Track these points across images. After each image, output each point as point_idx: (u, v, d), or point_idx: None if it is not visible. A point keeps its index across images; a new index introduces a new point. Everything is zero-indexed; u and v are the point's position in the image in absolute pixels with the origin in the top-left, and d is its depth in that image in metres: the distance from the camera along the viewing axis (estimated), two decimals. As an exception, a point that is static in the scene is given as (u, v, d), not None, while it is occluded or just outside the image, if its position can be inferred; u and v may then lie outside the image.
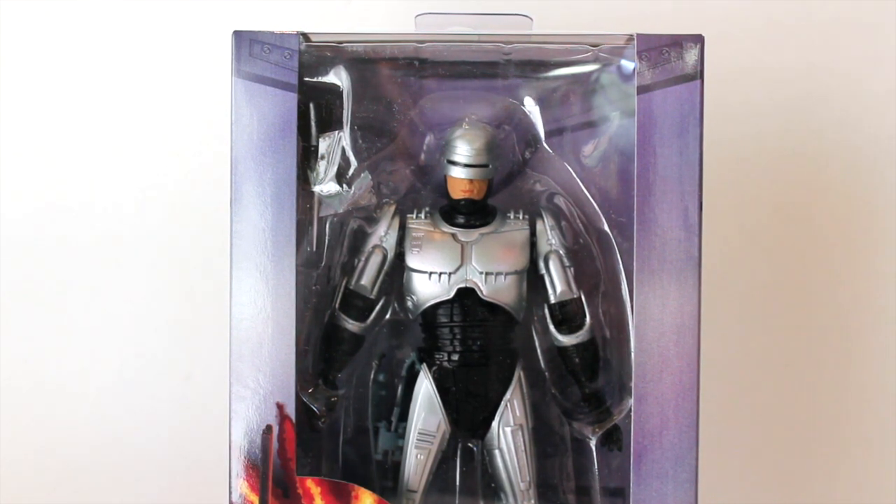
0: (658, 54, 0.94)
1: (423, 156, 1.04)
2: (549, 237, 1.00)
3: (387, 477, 1.03)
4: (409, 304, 1.00)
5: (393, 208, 1.01)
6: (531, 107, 1.03)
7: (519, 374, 0.99)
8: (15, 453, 1.25)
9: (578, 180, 1.03)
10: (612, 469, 1.03)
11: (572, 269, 1.00)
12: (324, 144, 0.99)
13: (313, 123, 0.98)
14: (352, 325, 1.00)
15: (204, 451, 1.18)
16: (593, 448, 1.03)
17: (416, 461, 0.99)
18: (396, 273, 1.01)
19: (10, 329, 1.24)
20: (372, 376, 1.04)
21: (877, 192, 1.25)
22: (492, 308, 0.98)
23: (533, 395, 1.01)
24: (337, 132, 0.99)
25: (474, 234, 0.99)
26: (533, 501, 1.00)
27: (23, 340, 1.24)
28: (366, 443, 1.04)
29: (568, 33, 0.99)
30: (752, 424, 1.26)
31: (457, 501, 1.03)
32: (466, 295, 0.98)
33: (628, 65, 0.97)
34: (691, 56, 0.94)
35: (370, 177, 1.01)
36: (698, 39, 0.94)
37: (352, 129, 1.00)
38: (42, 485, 1.25)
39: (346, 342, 1.00)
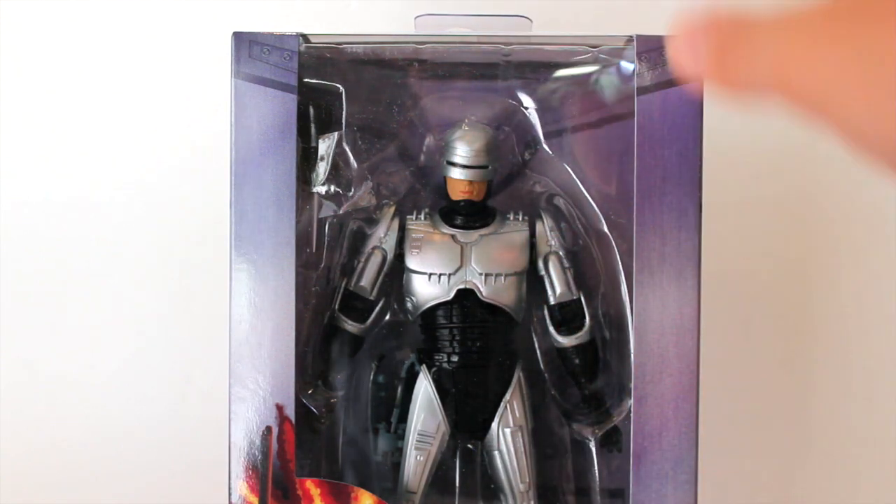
0: (658, 55, 0.94)
1: (422, 157, 1.04)
2: (549, 238, 1.00)
3: (386, 478, 1.03)
4: (409, 305, 1.00)
5: (392, 209, 1.01)
6: (531, 108, 1.03)
7: (518, 375, 0.99)
8: (13, 455, 1.25)
9: (578, 181, 1.03)
10: (612, 470, 1.03)
11: (572, 270, 1.00)
12: (323, 146, 0.99)
13: (313, 125, 0.98)
14: (351, 327, 1.00)
15: (204, 453, 1.18)
16: (593, 449, 1.03)
17: (416, 462, 0.99)
18: (396, 274, 1.01)
19: (7, 330, 1.24)
20: (371, 378, 1.04)
21: (878, 192, 1.25)
22: (491, 309, 0.98)
23: (532, 397, 1.01)
24: (336, 133, 0.99)
25: (474, 235, 0.99)
26: (532, 503, 1.00)
27: (21, 342, 1.24)
28: (365, 444, 1.04)
29: (567, 34, 0.99)
30: (752, 425, 1.26)
31: (456, 502, 1.03)
32: (466, 296, 0.98)
33: (628, 66, 0.97)
34: (691, 57, 0.94)
35: (370, 178, 1.01)
36: (698, 41, 0.94)
37: (351, 131, 1.00)
38: (41, 486, 1.25)
39: (346, 343, 1.00)
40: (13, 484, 1.25)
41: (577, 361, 1.00)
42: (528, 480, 0.99)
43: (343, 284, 1.01)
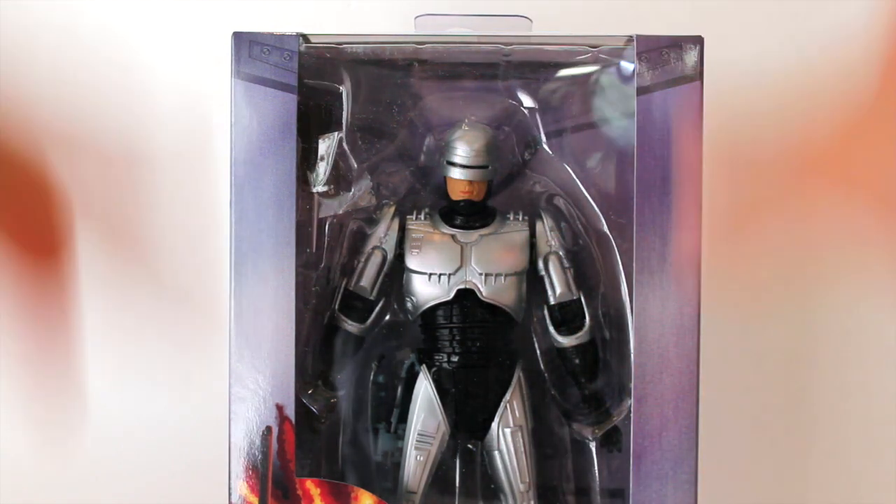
0: (658, 55, 0.94)
1: (422, 157, 1.04)
2: (549, 238, 1.00)
3: (386, 478, 1.03)
4: (409, 305, 1.00)
5: (392, 209, 1.01)
6: (530, 108, 1.03)
7: (518, 375, 0.99)
8: (14, 454, 1.25)
9: (578, 181, 1.03)
10: (612, 470, 1.03)
11: (572, 270, 1.01)
12: (323, 146, 0.99)
13: (313, 125, 0.98)
14: (351, 327, 1.00)
15: (204, 453, 1.18)
16: (593, 449, 1.03)
17: (416, 462, 0.99)
18: (396, 274, 1.01)
19: (9, 330, 1.24)
20: (371, 378, 1.04)
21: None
22: (491, 309, 0.98)
23: (533, 397, 1.01)
24: (336, 133, 0.99)
25: (474, 235, 0.99)
26: (532, 503, 1.00)
27: (22, 341, 1.24)
28: (365, 444, 1.04)
29: (567, 34, 0.99)
30: (752, 425, 1.26)
31: (456, 502, 1.03)
32: (466, 296, 0.98)
33: (628, 66, 0.97)
34: (691, 57, 0.94)
35: (370, 178, 1.01)
36: (698, 41, 0.94)
37: (351, 131, 1.00)
38: (41, 486, 1.25)
39: (346, 343, 1.00)
40: (13, 484, 1.25)
41: (577, 361, 1.00)
42: (528, 480, 0.99)
43: (343, 284, 1.01)
